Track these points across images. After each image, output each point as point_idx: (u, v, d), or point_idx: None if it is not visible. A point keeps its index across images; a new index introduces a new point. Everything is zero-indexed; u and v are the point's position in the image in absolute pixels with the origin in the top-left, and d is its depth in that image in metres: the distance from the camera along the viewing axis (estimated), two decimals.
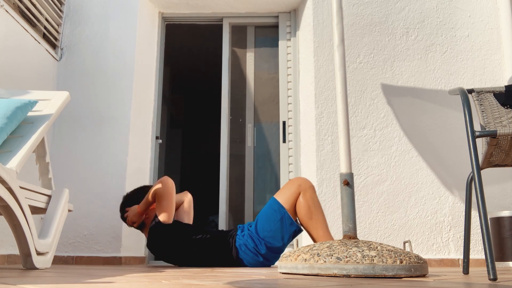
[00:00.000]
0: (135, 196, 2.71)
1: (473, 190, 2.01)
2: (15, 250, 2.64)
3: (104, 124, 3.18)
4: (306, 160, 3.26)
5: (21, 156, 1.84)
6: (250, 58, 3.71)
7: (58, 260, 2.96)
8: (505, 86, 1.70)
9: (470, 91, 1.72)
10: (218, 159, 3.52)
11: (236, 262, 2.38)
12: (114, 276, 1.41)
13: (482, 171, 1.61)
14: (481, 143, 1.70)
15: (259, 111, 3.61)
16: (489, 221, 2.77)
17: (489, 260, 1.41)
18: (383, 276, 1.43)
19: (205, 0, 3.52)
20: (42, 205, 2.05)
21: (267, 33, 3.75)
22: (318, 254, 1.52)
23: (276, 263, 2.72)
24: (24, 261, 1.84)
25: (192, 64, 5.89)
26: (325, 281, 1.25)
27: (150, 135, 3.45)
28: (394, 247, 1.58)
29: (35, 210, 2.05)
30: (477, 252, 2.95)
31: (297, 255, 1.58)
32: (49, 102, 2.22)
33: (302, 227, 2.39)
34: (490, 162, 1.74)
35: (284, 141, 3.46)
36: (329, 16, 3.27)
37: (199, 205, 6.86)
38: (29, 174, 2.66)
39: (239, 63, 3.71)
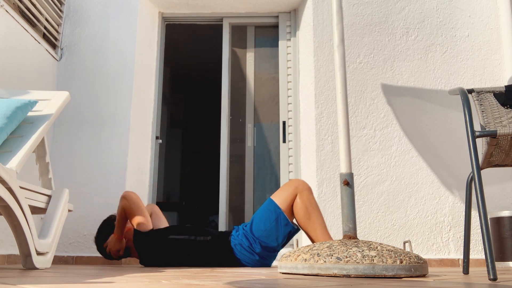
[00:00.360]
0: (105, 229, 2.62)
1: (473, 190, 2.01)
2: (15, 250, 2.64)
3: (104, 124, 3.18)
4: (306, 160, 3.26)
5: (21, 156, 1.84)
6: (250, 58, 3.71)
7: (58, 260, 2.96)
8: (505, 86, 1.70)
9: (470, 91, 1.72)
10: (218, 159, 3.52)
11: (233, 262, 2.38)
12: (114, 276, 1.41)
13: (482, 171, 1.61)
14: (481, 143, 1.70)
15: (259, 111, 3.61)
16: (489, 221, 2.77)
17: (489, 260, 1.41)
18: (383, 276, 1.43)
19: (205, 0, 3.52)
20: (42, 205, 2.05)
21: (267, 33, 3.75)
22: (318, 254, 1.52)
23: (276, 263, 2.72)
24: (24, 261, 1.84)
25: (192, 64, 5.89)
26: (325, 281, 1.25)
27: (150, 135, 3.45)
28: (394, 247, 1.58)
29: (35, 210, 2.05)
30: (477, 252, 2.95)
31: (297, 255, 1.58)
32: (49, 102, 2.22)
33: (299, 228, 2.38)
34: (490, 162, 1.74)
35: (284, 141, 3.46)
36: (329, 16, 3.27)
37: (199, 205, 6.86)
38: (29, 174, 2.66)
39: (239, 63, 3.71)
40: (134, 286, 1.01)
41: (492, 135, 1.56)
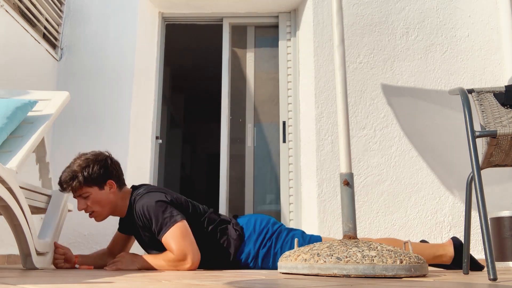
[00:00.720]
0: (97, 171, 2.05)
1: (473, 190, 2.01)
2: (15, 250, 2.64)
3: (104, 124, 3.18)
4: (306, 160, 3.26)
5: (21, 156, 1.84)
6: (250, 58, 3.71)
7: None
8: (505, 86, 1.70)
9: (470, 91, 1.72)
10: (218, 159, 3.52)
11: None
12: (114, 276, 1.41)
13: (482, 171, 1.61)
14: (481, 143, 1.70)
15: (259, 111, 3.61)
16: (489, 221, 2.77)
17: (489, 260, 1.41)
18: (383, 276, 1.43)
19: (205, 0, 3.52)
20: (42, 205, 2.05)
21: (267, 33, 3.75)
22: (318, 254, 1.52)
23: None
24: (24, 261, 1.84)
25: (192, 64, 5.88)
26: (325, 281, 1.25)
27: (150, 135, 3.45)
28: (394, 247, 1.58)
29: (35, 210, 2.05)
30: (477, 252, 2.95)
31: (297, 255, 1.58)
32: (49, 102, 2.22)
33: None
34: (490, 162, 1.74)
35: (284, 141, 3.46)
36: (329, 16, 3.27)
37: None
38: (29, 174, 2.65)
39: (239, 63, 3.70)
40: (134, 286, 1.01)
41: (492, 135, 1.56)
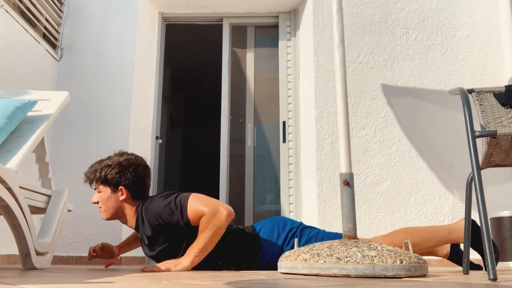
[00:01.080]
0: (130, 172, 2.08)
1: (473, 190, 2.01)
2: (15, 250, 2.64)
3: (104, 124, 3.18)
4: (306, 160, 3.26)
5: (20, 156, 1.84)
6: (250, 58, 3.71)
7: (58, 260, 2.96)
8: (505, 86, 1.70)
9: (470, 91, 1.72)
10: (218, 159, 3.52)
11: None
12: (114, 276, 1.41)
13: (482, 171, 1.61)
14: (481, 143, 1.70)
15: (259, 111, 3.61)
16: (489, 221, 2.77)
17: (489, 260, 1.40)
18: (383, 276, 1.43)
19: (205, 0, 3.52)
20: (42, 205, 2.05)
21: (267, 33, 3.75)
22: (318, 254, 1.52)
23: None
24: (24, 261, 1.84)
25: (192, 64, 5.88)
26: (325, 281, 1.25)
27: (150, 135, 3.45)
28: (394, 247, 1.58)
29: (35, 210, 2.05)
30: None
31: (297, 255, 1.58)
32: (48, 102, 2.22)
33: None
34: (490, 162, 1.74)
35: (284, 141, 3.46)
36: (329, 16, 3.27)
37: None
38: (29, 174, 2.65)
39: (239, 63, 3.70)
40: (134, 286, 1.00)
41: (492, 135, 1.56)
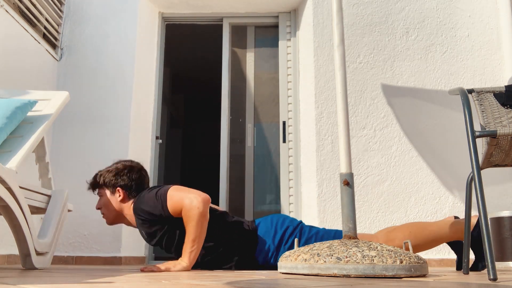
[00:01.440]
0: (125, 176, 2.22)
1: (473, 190, 2.01)
2: (15, 250, 2.64)
3: (104, 124, 3.18)
4: (306, 160, 3.26)
5: (20, 156, 1.84)
6: (250, 58, 3.71)
7: (58, 260, 2.96)
8: (505, 86, 1.70)
9: (470, 91, 1.72)
10: (218, 159, 3.52)
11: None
12: (114, 276, 1.41)
13: (482, 171, 1.61)
14: (481, 143, 1.70)
15: (259, 111, 3.61)
16: (489, 221, 2.77)
17: (489, 260, 1.40)
18: (383, 276, 1.43)
19: (205, 0, 3.52)
20: (42, 205, 2.05)
21: (267, 33, 3.75)
22: (318, 254, 1.52)
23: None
24: (24, 261, 1.84)
25: (192, 64, 5.88)
26: (325, 281, 1.25)
27: (150, 135, 3.45)
28: (394, 247, 1.58)
29: (35, 210, 2.05)
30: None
31: (297, 255, 1.58)
32: (48, 102, 2.22)
33: None
34: (490, 162, 1.74)
35: (284, 141, 3.46)
36: (329, 16, 3.27)
37: None
38: (29, 174, 2.66)
39: (239, 63, 3.70)
40: (134, 286, 1.00)
41: (492, 135, 1.56)
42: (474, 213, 2.85)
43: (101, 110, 3.20)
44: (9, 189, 1.67)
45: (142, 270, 1.80)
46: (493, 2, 3.35)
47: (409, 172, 3.06)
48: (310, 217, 3.11)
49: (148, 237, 2.14)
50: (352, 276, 1.44)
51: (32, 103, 2.05)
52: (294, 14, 3.66)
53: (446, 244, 2.93)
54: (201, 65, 5.86)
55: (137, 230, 3.22)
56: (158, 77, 3.60)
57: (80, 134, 3.17)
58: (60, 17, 3.32)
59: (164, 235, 2.08)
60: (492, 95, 1.69)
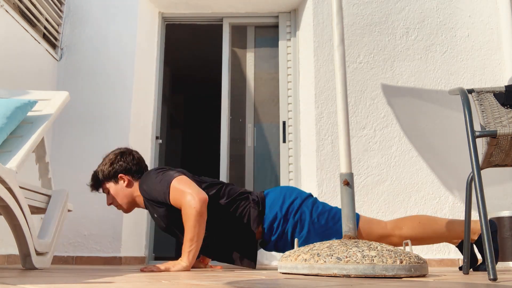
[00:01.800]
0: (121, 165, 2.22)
1: (473, 190, 2.01)
2: (15, 250, 2.64)
3: (104, 124, 3.18)
4: (306, 160, 3.26)
5: (20, 156, 1.84)
6: (250, 58, 3.71)
7: (58, 260, 2.96)
8: (505, 86, 1.70)
9: (470, 91, 1.72)
10: (218, 159, 3.52)
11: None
12: (114, 276, 1.41)
13: (482, 171, 1.61)
14: (481, 143, 1.70)
15: (259, 111, 3.61)
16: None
17: (489, 260, 1.40)
18: (383, 276, 1.43)
19: (205, 0, 3.52)
20: (42, 205, 2.05)
21: (267, 33, 3.75)
22: (318, 254, 1.52)
23: (276, 263, 2.71)
24: (24, 261, 1.84)
25: (192, 64, 5.88)
26: (325, 281, 1.25)
27: (150, 135, 3.45)
28: (394, 247, 1.58)
29: (35, 210, 2.05)
30: (477, 252, 2.95)
31: (297, 255, 1.58)
32: (49, 102, 2.22)
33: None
34: (490, 162, 1.74)
35: (284, 141, 3.46)
36: (329, 16, 3.27)
37: None
38: (29, 174, 2.66)
39: (239, 63, 3.70)
40: (134, 286, 1.00)
41: (492, 135, 1.56)
42: (474, 213, 2.86)
43: (101, 110, 3.20)
44: (9, 189, 1.67)
45: (142, 270, 1.79)
46: (493, 2, 3.35)
47: (409, 172, 3.06)
48: None
49: (160, 218, 2.12)
50: (352, 276, 1.44)
51: (32, 103, 2.05)
52: (294, 14, 3.66)
53: (446, 244, 2.94)
54: (201, 65, 5.86)
55: (137, 230, 3.22)
56: (158, 77, 3.60)
57: (80, 134, 3.17)
58: (60, 17, 3.32)
59: (172, 215, 2.06)
60: (492, 95, 1.69)
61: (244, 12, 3.68)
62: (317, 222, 2.07)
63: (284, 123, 3.49)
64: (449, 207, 3.02)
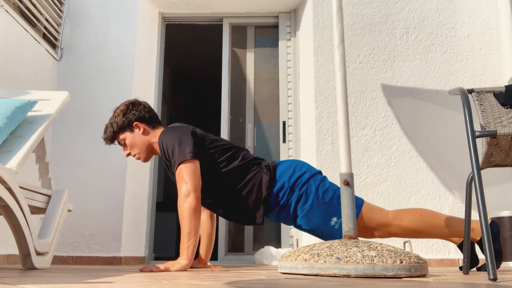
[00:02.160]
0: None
1: (473, 190, 2.01)
2: (15, 250, 2.64)
3: (104, 124, 3.17)
4: (306, 160, 3.26)
5: (21, 156, 1.84)
6: (250, 58, 3.71)
7: (58, 260, 2.96)
8: (505, 86, 1.70)
9: (470, 91, 1.72)
10: None
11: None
12: (114, 276, 1.41)
13: (482, 171, 1.61)
14: (481, 143, 1.70)
15: (259, 111, 3.61)
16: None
17: (489, 260, 1.40)
18: (383, 276, 1.43)
19: (205, 0, 3.52)
20: (42, 205, 2.05)
21: (267, 33, 3.75)
22: (318, 254, 1.52)
23: (276, 263, 2.71)
24: (24, 261, 1.84)
25: (192, 64, 5.88)
26: (325, 281, 1.25)
27: None
28: (394, 247, 1.58)
29: (35, 210, 2.05)
30: (477, 252, 2.95)
31: (297, 255, 1.58)
32: (48, 102, 2.22)
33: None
34: (490, 162, 1.74)
35: (284, 141, 3.46)
36: (329, 16, 3.27)
37: None
38: (29, 174, 2.66)
39: (239, 63, 3.70)
40: (134, 286, 1.00)
41: (492, 135, 1.56)
42: (474, 213, 2.85)
43: (101, 110, 3.20)
44: (9, 189, 1.67)
45: (142, 270, 1.79)
46: (493, 2, 3.35)
47: (409, 172, 3.06)
48: None
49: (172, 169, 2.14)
50: (352, 276, 1.44)
51: (32, 103, 2.05)
52: (294, 14, 3.66)
53: (446, 244, 2.94)
54: (201, 65, 5.86)
55: (137, 230, 3.22)
56: (158, 77, 3.60)
57: (80, 134, 3.17)
58: (60, 17, 3.32)
59: None
60: (492, 95, 1.69)
61: (244, 12, 3.68)
62: (322, 198, 2.08)
63: (284, 123, 3.49)
64: (449, 207, 3.02)
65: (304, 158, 3.30)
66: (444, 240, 2.96)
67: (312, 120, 3.16)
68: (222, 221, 3.39)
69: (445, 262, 2.92)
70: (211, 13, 3.68)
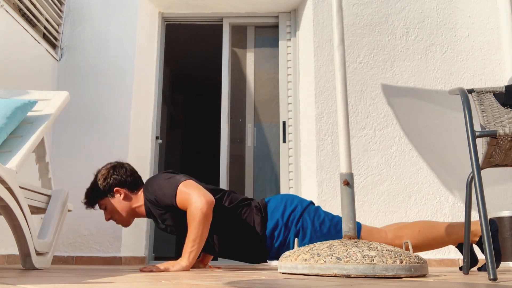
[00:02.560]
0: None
1: (473, 190, 2.01)
2: (15, 250, 2.64)
3: (104, 124, 3.18)
4: (306, 160, 3.26)
5: (21, 156, 1.84)
6: (250, 58, 3.71)
7: (58, 260, 2.96)
8: (505, 86, 1.70)
9: (470, 91, 1.72)
10: (218, 159, 3.52)
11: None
12: (114, 276, 1.41)
13: (482, 171, 1.61)
14: (481, 143, 1.70)
15: (259, 111, 3.61)
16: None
17: (489, 260, 1.40)
18: (383, 276, 1.43)
19: (205, 0, 3.52)
20: (42, 205, 2.05)
21: (267, 33, 3.75)
22: (318, 254, 1.52)
23: (276, 263, 2.71)
24: (24, 261, 1.84)
25: (192, 64, 5.88)
26: (325, 281, 1.25)
27: (150, 135, 3.45)
28: (394, 247, 1.58)
29: (35, 210, 2.05)
30: (477, 252, 2.95)
31: (297, 255, 1.58)
32: (49, 102, 2.21)
33: None
34: (490, 162, 1.74)
35: (284, 141, 3.46)
36: (329, 16, 3.27)
37: None
38: (29, 174, 2.66)
39: (239, 63, 3.70)
40: (134, 286, 1.00)
41: (492, 135, 1.56)
42: (474, 213, 2.85)
43: (101, 110, 3.20)
44: (9, 189, 1.67)
45: (142, 270, 1.79)
46: (493, 2, 3.35)
47: (409, 172, 3.06)
48: None
49: (159, 218, 2.12)
50: (352, 276, 1.44)
51: (32, 103, 2.05)
52: (294, 14, 3.66)
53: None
54: (201, 65, 5.86)
55: (137, 230, 3.22)
56: (158, 77, 3.60)
57: (80, 134, 3.17)
58: (60, 17, 3.32)
59: (174, 215, 2.06)
60: (492, 95, 1.69)
61: (244, 12, 3.68)
62: (319, 231, 2.08)
63: (284, 123, 3.49)
64: (449, 207, 3.02)
65: (304, 158, 3.30)
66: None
67: (312, 120, 3.16)
68: None
69: (445, 262, 2.92)
70: (211, 13, 3.68)
